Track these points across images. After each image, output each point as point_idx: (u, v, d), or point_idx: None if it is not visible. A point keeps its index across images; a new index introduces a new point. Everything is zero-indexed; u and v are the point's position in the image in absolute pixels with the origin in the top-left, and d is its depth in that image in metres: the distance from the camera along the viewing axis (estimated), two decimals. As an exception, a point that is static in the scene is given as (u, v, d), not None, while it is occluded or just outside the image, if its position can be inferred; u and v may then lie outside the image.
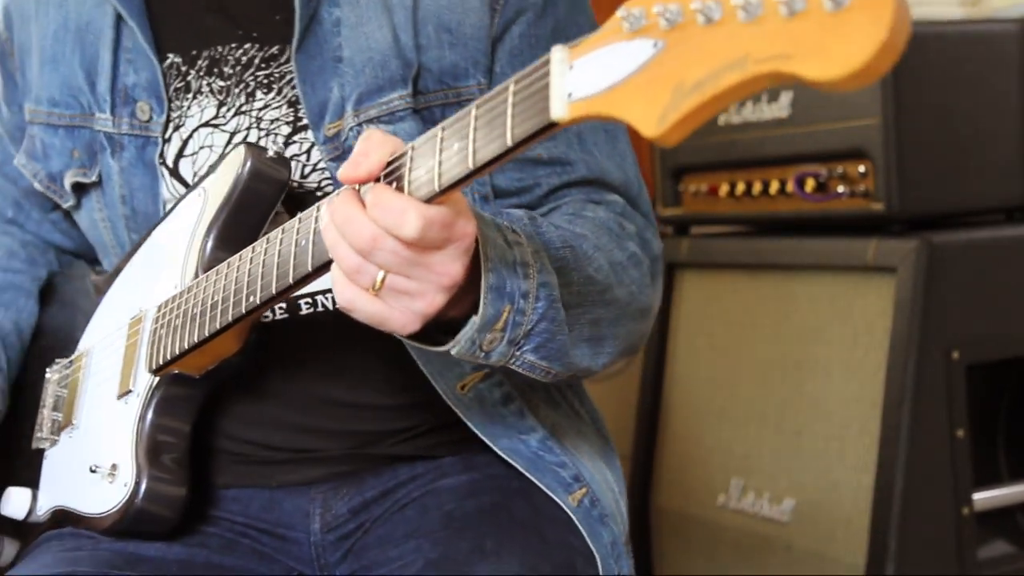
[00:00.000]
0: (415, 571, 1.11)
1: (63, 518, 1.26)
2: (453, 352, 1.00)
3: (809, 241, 2.14)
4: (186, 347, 1.14)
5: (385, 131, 1.10)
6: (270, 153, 1.19)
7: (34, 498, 1.31)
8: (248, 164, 1.17)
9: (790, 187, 2.15)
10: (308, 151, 1.23)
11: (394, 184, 0.92)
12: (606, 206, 1.23)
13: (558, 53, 0.79)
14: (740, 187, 2.27)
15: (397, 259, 0.91)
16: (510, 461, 1.22)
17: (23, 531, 1.32)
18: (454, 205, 0.91)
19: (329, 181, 1.22)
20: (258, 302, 1.06)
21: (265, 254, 1.06)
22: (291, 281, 1.02)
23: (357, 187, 0.94)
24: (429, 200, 0.90)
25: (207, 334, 1.12)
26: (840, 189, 2.05)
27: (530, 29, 1.24)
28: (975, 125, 2.06)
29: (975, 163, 2.06)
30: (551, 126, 0.80)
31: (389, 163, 0.93)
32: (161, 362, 1.17)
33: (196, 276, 1.18)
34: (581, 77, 0.78)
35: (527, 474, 1.21)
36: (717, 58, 0.70)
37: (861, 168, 2.01)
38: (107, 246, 1.33)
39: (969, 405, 1.95)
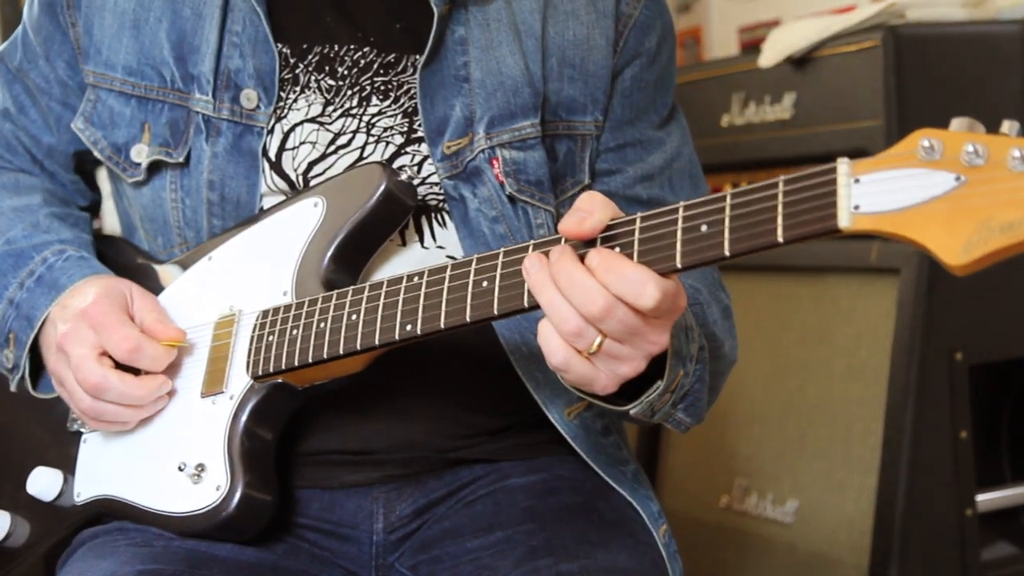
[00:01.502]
0: (517, 556, 1.11)
1: (109, 508, 1.22)
2: (631, 413, 1.02)
3: (812, 242, 2.13)
4: (309, 360, 1.11)
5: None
6: (403, 177, 1.18)
7: (65, 481, 1.26)
8: (383, 186, 1.15)
9: (793, 188, 2.15)
10: (420, 164, 1.22)
11: (617, 249, 0.92)
12: None
13: (843, 166, 0.82)
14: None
15: (622, 327, 0.92)
16: (617, 488, 1.23)
17: (44, 513, 1.27)
18: (675, 277, 0.92)
19: (437, 196, 1.21)
20: (418, 332, 1.03)
21: (426, 286, 1.03)
22: (467, 320, 1.00)
23: (562, 243, 0.94)
24: (662, 273, 0.90)
25: (340, 352, 1.09)
26: (843, 190, 2.05)
27: (640, 73, 1.27)
28: (978, 126, 2.05)
29: (978, 164, 2.06)
30: (832, 232, 0.83)
31: (609, 226, 0.93)
32: (271, 369, 1.14)
33: (306, 289, 1.15)
34: (868, 191, 0.81)
35: (635, 503, 1.23)
36: None
37: (864, 169, 2.01)
38: (169, 225, 1.27)
39: (972, 406, 1.95)
